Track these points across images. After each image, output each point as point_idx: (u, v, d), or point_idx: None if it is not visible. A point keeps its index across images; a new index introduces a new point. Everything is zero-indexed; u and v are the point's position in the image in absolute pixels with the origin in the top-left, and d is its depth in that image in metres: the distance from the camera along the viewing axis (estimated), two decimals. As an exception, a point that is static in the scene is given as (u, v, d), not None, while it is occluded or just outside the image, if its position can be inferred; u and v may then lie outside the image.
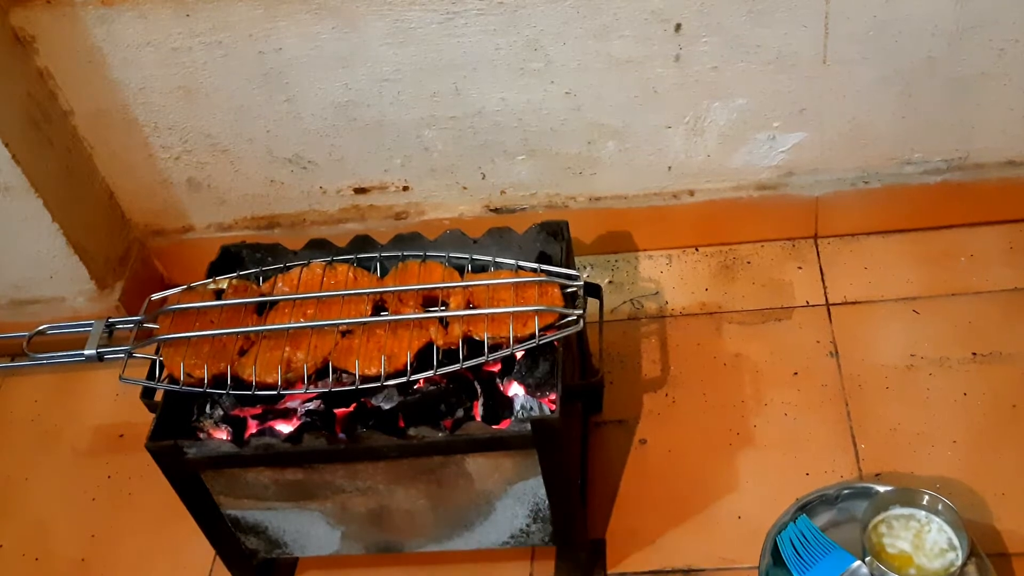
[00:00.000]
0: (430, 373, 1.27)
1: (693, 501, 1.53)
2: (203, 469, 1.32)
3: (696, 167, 1.80)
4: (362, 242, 1.47)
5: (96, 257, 1.87)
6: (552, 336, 1.28)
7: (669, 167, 1.80)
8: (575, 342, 1.50)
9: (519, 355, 1.33)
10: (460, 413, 1.31)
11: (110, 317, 1.37)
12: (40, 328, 1.37)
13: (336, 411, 1.34)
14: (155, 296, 1.41)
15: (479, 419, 1.31)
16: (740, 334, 1.75)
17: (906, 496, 1.32)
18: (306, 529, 1.41)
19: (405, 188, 1.87)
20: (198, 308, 1.37)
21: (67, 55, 1.68)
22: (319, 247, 1.48)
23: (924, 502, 1.31)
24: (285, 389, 1.29)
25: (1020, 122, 1.70)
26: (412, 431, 1.26)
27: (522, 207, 1.88)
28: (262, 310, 1.38)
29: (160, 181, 1.87)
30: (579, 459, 1.55)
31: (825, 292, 1.79)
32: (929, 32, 1.59)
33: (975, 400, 1.58)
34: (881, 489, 1.36)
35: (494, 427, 1.28)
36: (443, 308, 1.35)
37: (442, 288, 1.36)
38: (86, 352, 1.32)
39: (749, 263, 1.87)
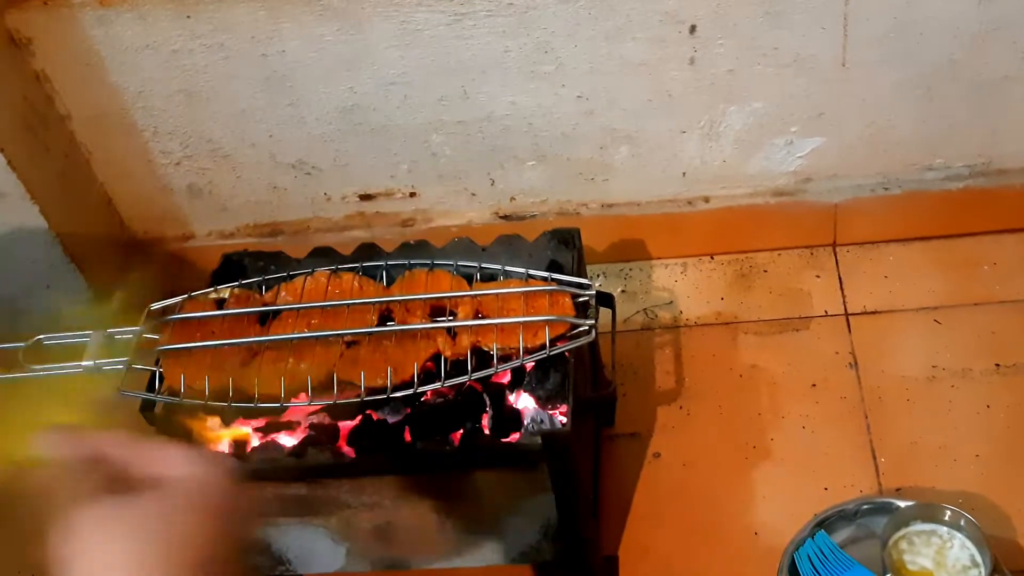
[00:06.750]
0: (437, 385, 1.24)
1: (708, 517, 1.51)
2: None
3: (711, 173, 1.77)
4: (368, 250, 1.45)
5: (94, 265, 1.84)
6: (563, 347, 1.25)
7: (684, 173, 1.78)
8: (587, 353, 1.48)
9: (529, 366, 1.30)
10: (468, 426, 1.29)
11: (108, 327, 1.34)
12: (37, 339, 1.34)
13: (341, 424, 1.31)
14: (155, 306, 1.38)
15: (488, 432, 1.28)
16: (756, 345, 1.73)
17: (927, 511, 1.31)
18: (310, 545, 1.39)
19: (412, 194, 1.85)
20: (199, 318, 1.34)
21: (64, 58, 1.66)
22: (323, 255, 1.46)
23: (946, 517, 1.30)
24: (288, 401, 1.26)
25: (1045, 127, 1.68)
26: (419, 445, 1.24)
27: (532, 214, 1.86)
28: (265, 320, 1.36)
29: (160, 187, 1.85)
30: (591, 473, 1.53)
31: (844, 301, 1.77)
32: (951, 34, 1.56)
33: (999, 412, 1.56)
34: (902, 504, 1.35)
35: (503, 440, 1.26)
36: (451, 318, 1.32)
37: (450, 297, 1.33)
38: (84, 363, 1.29)
39: (766, 272, 1.85)
